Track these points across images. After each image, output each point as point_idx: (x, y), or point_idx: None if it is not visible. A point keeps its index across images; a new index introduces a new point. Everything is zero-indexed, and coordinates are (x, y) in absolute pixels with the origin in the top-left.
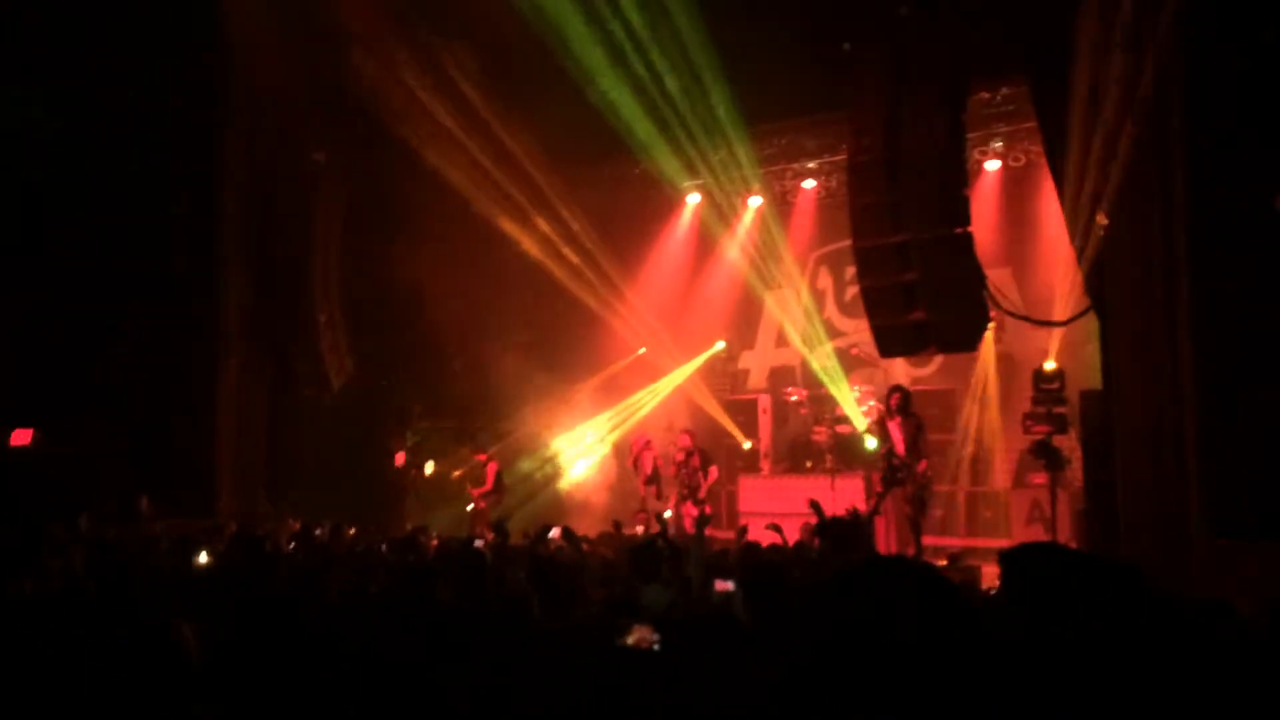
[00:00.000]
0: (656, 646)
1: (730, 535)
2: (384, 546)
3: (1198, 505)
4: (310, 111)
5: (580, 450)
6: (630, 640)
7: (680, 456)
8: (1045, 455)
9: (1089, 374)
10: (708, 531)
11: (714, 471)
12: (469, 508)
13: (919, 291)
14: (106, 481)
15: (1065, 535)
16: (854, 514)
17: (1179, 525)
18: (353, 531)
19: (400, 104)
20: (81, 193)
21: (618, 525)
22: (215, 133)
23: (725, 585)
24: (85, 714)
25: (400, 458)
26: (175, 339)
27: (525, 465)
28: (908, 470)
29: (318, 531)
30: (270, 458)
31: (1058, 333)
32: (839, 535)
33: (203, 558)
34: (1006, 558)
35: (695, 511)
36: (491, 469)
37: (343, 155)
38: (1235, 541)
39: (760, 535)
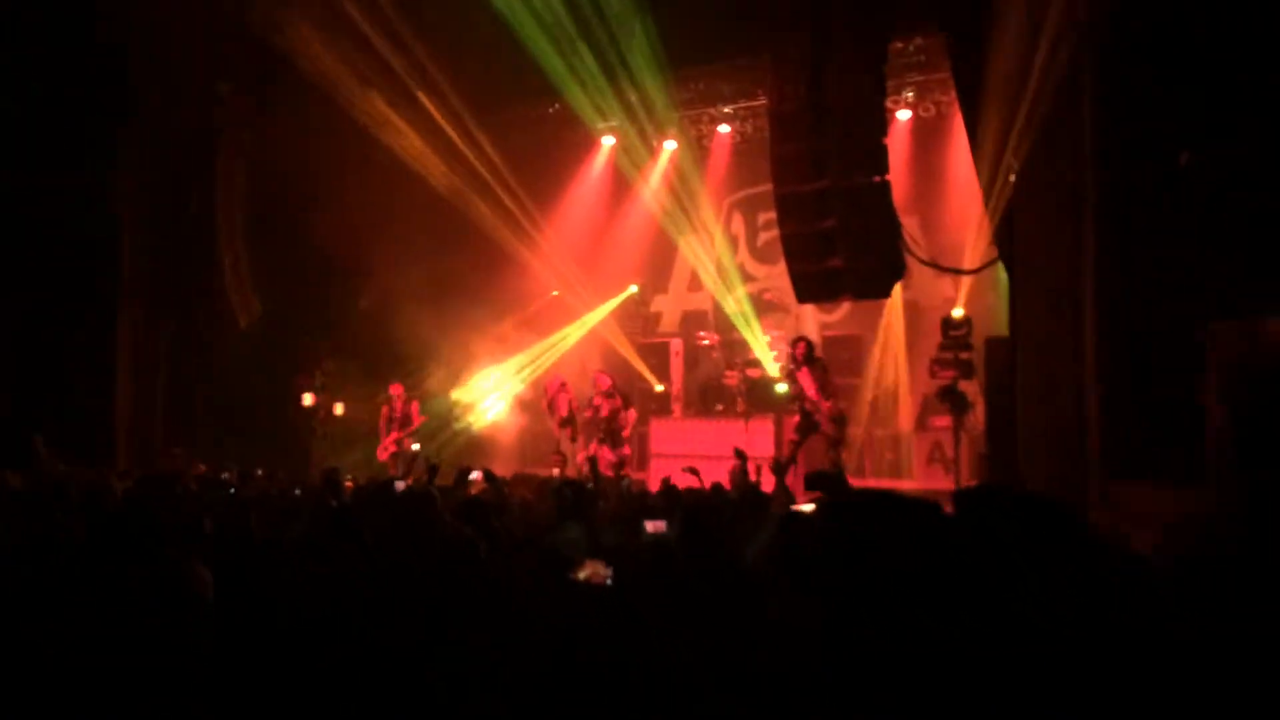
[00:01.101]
0: (609, 581)
1: (641, 476)
2: (297, 490)
3: (1097, 449)
4: (213, 44)
5: (494, 392)
6: (583, 575)
7: (599, 399)
8: (950, 400)
9: (992, 322)
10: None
11: (633, 414)
12: (410, 446)
13: (837, 239)
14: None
15: (966, 477)
16: (742, 457)
17: (1077, 467)
18: (261, 474)
19: (305, 36)
20: None
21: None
22: (116, 68)
23: (657, 525)
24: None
25: (308, 399)
26: (73, 281)
27: (438, 406)
28: (821, 414)
29: (225, 475)
30: (173, 401)
31: (963, 281)
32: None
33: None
34: (959, 497)
35: (612, 455)
36: (415, 408)
37: (248, 90)
38: (1130, 483)
39: (677, 478)
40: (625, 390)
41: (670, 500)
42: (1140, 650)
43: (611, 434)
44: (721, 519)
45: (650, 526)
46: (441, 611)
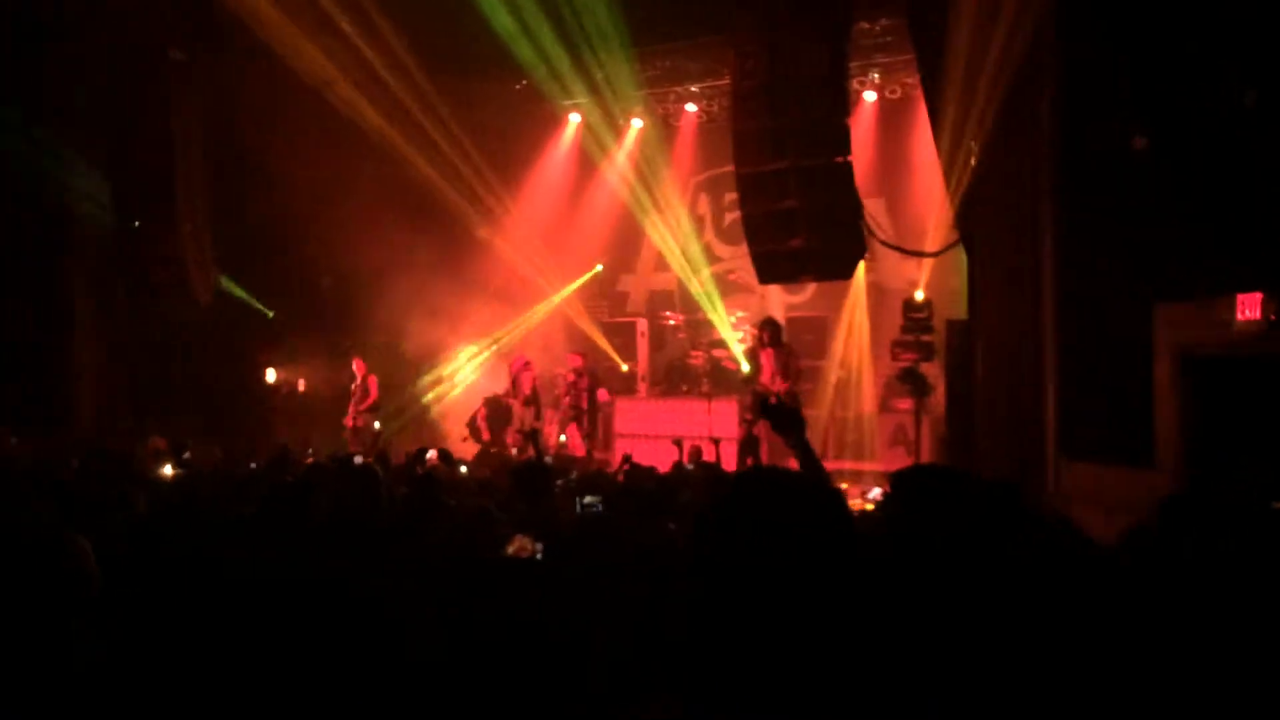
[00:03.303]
0: (539, 555)
1: (605, 456)
2: (254, 465)
3: (1054, 431)
4: (169, 9)
5: (458, 371)
6: (511, 550)
7: (571, 377)
8: (911, 381)
9: (954, 304)
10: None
11: (603, 393)
12: (370, 423)
13: (798, 219)
14: None
15: (926, 458)
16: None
17: (1034, 449)
18: (218, 450)
19: (265, 6)
20: None
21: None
22: (67, 32)
23: (592, 499)
24: None
25: (271, 375)
26: (24, 250)
27: (404, 383)
28: (775, 399)
29: (186, 455)
30: (133, 373)
31: (926, 263)
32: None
33: (167, 470)
34: (897, 478)
35: (581, 434)
36: (373, 382)
37: (205, 56)
38: (1083, 464)
39: (648, 457)
40: (593, 370)
41: (631, 479)
42: (1081, 628)
43: (580, 412)
44: (650, 497)
45: (586, 500)
46: (372, 586)
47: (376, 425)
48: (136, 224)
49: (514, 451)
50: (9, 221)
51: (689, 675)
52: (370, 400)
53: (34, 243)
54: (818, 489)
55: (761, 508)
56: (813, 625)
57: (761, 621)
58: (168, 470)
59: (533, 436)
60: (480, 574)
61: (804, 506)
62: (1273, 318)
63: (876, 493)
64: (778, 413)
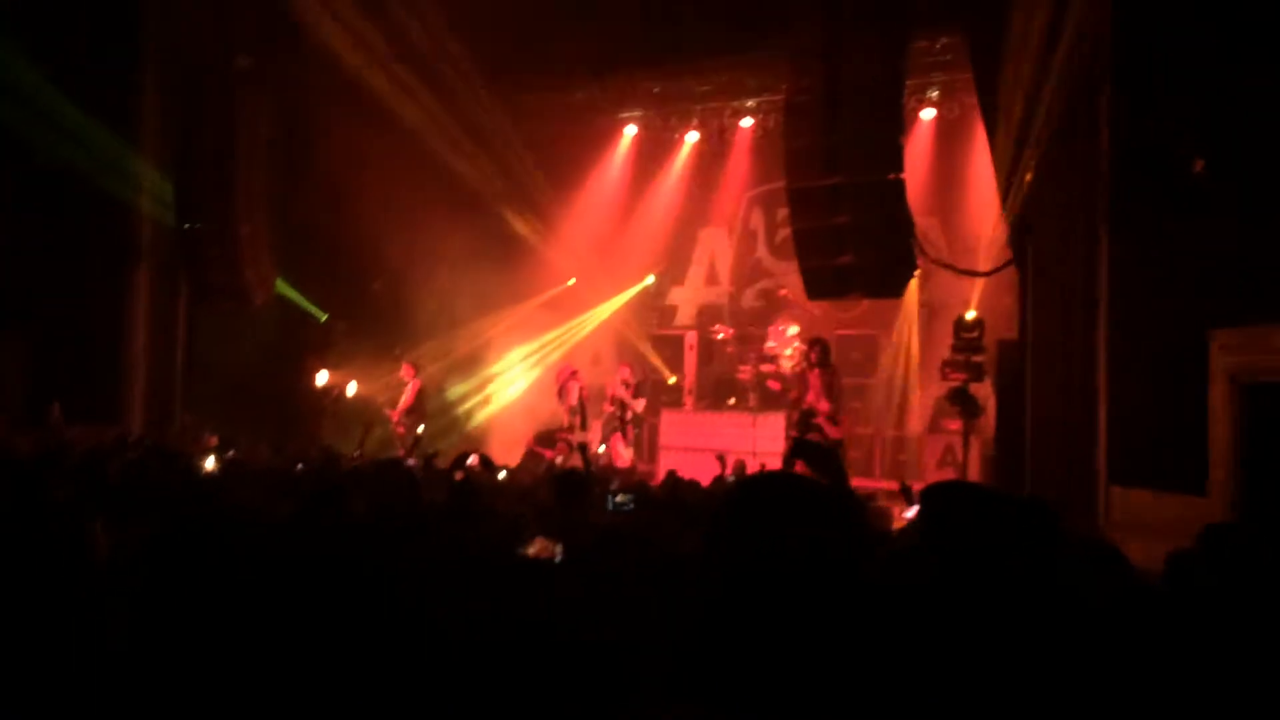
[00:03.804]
0: (558, 558)
1: (649, 469)
2: (301, 466)
3: (1105, 454)
4: (234, 15)
5: (507, 378)
6: (531, 551)
7: (619, 389)
8: (961, 402)
9: (1007, 324)
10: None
11: (640, 403)
12: (407, 427)
13: (848, 236)
14: (14, 388)
15: (975, 480)
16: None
17: (1084, 472)
18: (264, 448)
19: (326, 13)
20: None
21: (532, 453)
22: (134, 35)
23: (621, 499)
24: None
25: (321, 378)
26: (87, 245)
27: (451, 391)
28: (820, 417)
29: (229, 454)
30: (187, 370)
31: (979, 283)
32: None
33: (210, 463)
34: (926, 494)
35: (625, 445)
36: (414, 387)
37: (268, 62)
38: (1134, 490)
39: (691, 471)
40: (640, 382)
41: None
42: (1110, 653)
43: (625, 423)
44: (691, 510)
45: (619, 499)
46: (393, 576)
47: (420, 429)
48: (196, 225)
49: (558, 460)
50: (74, 218)
51: (700, 677)
52: (406, 405)
53: (96, 239)
54: (828, 495)
55: (770, 512)
56: (818, 630)
57: (769, 625)
58: (210, 464)
59: (582, 449)
60: (495, 574)
61: (812, 511)
62: None
63: (915, 510)
64: (811, 451)
